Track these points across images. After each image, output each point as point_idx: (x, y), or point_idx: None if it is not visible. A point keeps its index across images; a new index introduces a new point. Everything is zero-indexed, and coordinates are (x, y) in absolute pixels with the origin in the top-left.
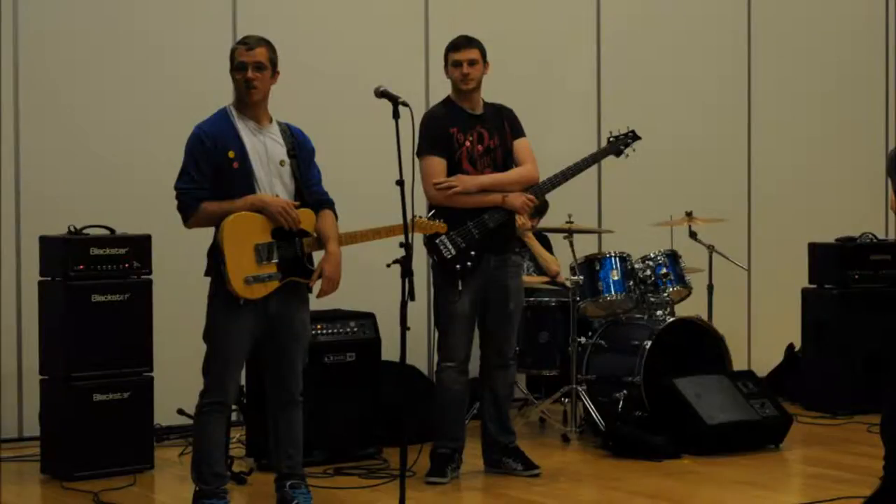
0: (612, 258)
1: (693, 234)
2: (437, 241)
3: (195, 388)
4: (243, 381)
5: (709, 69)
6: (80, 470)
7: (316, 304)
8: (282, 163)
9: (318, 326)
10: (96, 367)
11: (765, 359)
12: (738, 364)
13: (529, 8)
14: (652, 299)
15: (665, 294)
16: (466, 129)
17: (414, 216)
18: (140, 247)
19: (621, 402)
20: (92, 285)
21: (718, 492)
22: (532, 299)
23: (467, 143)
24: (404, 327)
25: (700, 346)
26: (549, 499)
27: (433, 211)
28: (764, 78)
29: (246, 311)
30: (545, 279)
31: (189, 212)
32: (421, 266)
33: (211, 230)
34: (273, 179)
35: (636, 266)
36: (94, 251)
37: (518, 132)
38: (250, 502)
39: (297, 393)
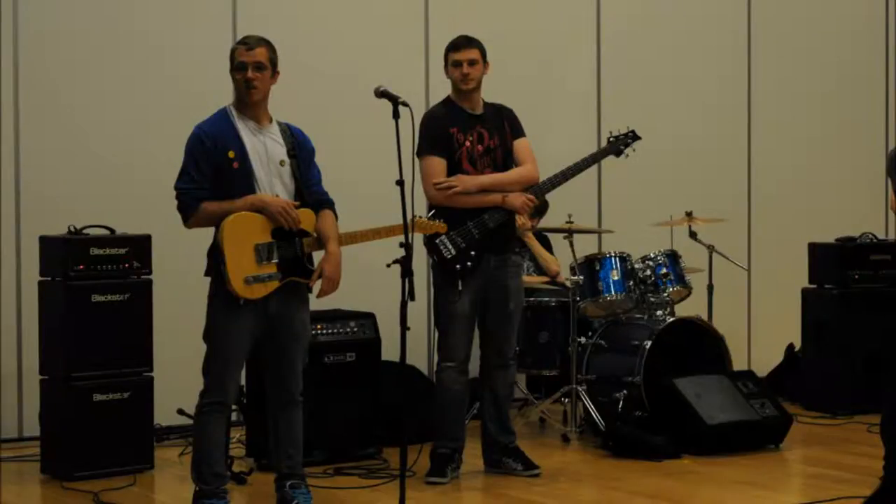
0: (613, 258)
1: (693, 234)
2: (437, 241)
3: (195, 388)
4: (243, 381)
5: (709, 69)
6: (80, 470)
7: (316, 304)
8: (282, 163)
9: (318, 326)
10: (96, 367)
11: (765, 359)
12: (738, 364)
13: (529, 8)
14: (652, 299)
15: (665, 294)
16: (466, 129)
17: (414, 216)
18: (140, 247)
19: (621, 402)
20: (92, 285)
21: (718, 492)
22: (532, 299)
23: (467, 143)
24: (404, 327)
25: (700, 346)
26: (549, 499)
27: (433, 211)
28: (764, 78)
29: (246, 311)
30: (545, 279)
31: (189, 212)
32: (421, 266)
33: (211, 230)
34: (273, 179)
35: (636, 266)
36: (94, 251)
37: (518, 132)
38: (250, 502)
39: (297, 393)
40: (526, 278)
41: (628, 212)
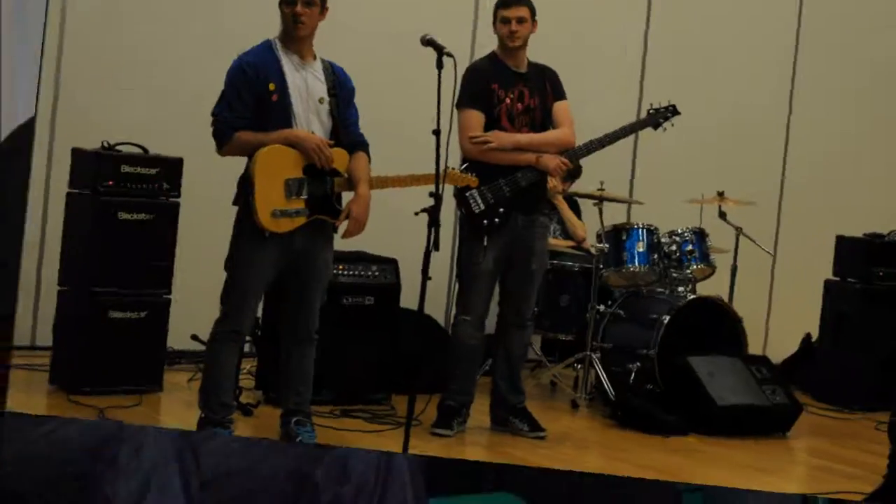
0: (640, 229)
1: (722, 215)
2: (468, 194)
3: (211, 316)
4: (260, 314)
5: (755, 51)
6: (88, 384)
7: (340, 244)
8: (321, 100)
9: (340, 267)
10: (116, 284)
11: (781, 346)
12: (754, 348)
13: None
14: (675, 275)
15: (688, 271)
16: (508, 86)
17: (447, 167)
18: (171, 169)
19: (634, 374)
20: (120, 202)
21: (722, 472)
22: (555, 262)
23: (507, 100)
24: (425, 276)
25: (718, 326)
26: (552, 462)
27: (466, 164)
28: (810, 67)
29: (270, 244)
30: (571, 243)
31: (224, 139)
32: (448, 218)
33: (243, 160)
34: (311, 116)
35: (663, 240)
36: (125, 168)
37: (559, 94)
38: (254, 434)
39: (313, 330)
40: (552, 241)
41: (660, 185)
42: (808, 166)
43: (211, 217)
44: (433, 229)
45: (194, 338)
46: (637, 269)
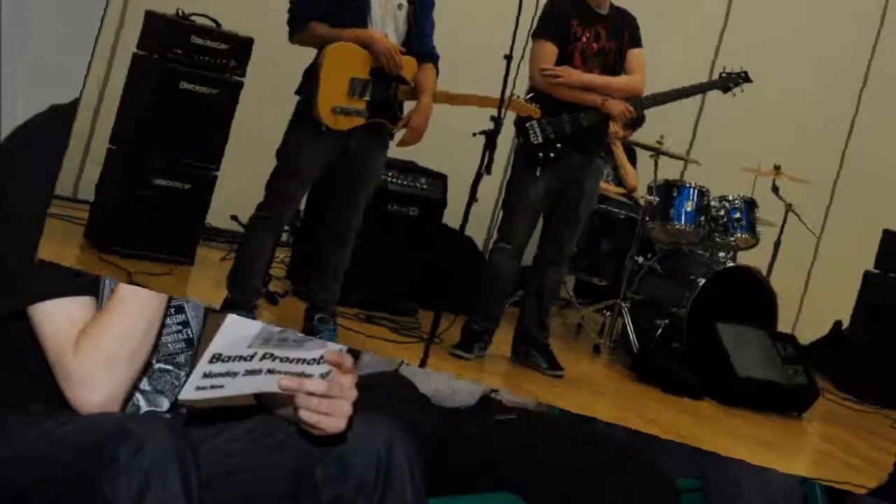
0: (691, 189)
1: (776, 189)
2: (528, 124)
3: (254, 201)
4: (302, 207)
5: (836, 38)
6: (121, 246)
7: (394, 152)
8: (400, 6)
9: (390, 174)
10: (165, 152)
11: (811, 328)
12: (784, 326)
13: None
14: (718, 239)
15: (732, 238)
16: (587, 24)
17: (513, 94)
18: (241, 47)
19: (660, 330)
20: (185, 72)
21: (730, 442)
22: (602, 206)
23: (584, 39)
24: (472, 198)
25: (752, 297)
26: (564, 402)
27: (532, 94)
28: (888, 58)
29: (325, 139)
30: (622, 191)
31: (298, 27)
32: (505, 144)
33: (314, 51)
34: (387, 19)
35: (712, 203)
36: (195, 39)
37: (636, 42)
38: (276, 323)
39: (353, 230)
40: (603, 185)
41: (719, 149)
42: (869, 155)
43: (271, 103)
44: (488, 152)
45: (234, 218)
46: (682, 227)
